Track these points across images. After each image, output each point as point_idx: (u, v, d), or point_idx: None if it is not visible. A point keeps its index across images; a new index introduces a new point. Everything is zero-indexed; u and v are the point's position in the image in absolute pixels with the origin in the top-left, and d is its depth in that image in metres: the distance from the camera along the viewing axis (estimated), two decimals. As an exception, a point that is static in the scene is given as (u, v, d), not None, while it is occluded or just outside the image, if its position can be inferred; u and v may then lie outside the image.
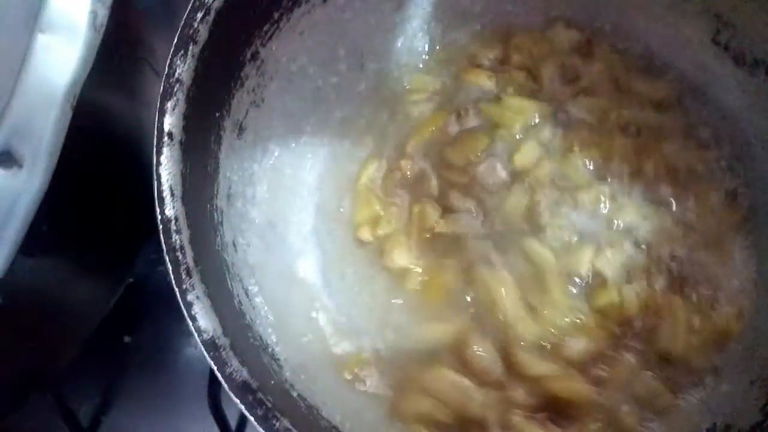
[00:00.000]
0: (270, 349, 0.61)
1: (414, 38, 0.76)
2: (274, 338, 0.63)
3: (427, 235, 0.67)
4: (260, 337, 0.60)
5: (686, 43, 0.69)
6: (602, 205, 0.65)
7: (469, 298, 0.64)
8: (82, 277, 0.62)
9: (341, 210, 0.71)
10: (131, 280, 0.81)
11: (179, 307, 0.48)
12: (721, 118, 0.68)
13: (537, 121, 0.69)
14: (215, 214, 0.60)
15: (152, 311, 0.84)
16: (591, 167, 0.67)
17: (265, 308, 0.65)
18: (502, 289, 0.63)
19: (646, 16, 0.71)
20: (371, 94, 0.74)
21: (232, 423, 0.78)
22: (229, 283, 0.59)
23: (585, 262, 0.64)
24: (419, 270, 0.66)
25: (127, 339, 0.83)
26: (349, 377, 0.66)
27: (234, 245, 0.63)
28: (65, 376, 0.77)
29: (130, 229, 0.68)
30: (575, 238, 0.65)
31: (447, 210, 0.68)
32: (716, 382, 0.63)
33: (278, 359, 0.61)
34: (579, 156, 0.67)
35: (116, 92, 0.63)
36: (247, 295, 0.62)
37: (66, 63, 0.43)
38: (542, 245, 0.65)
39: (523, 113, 0.68)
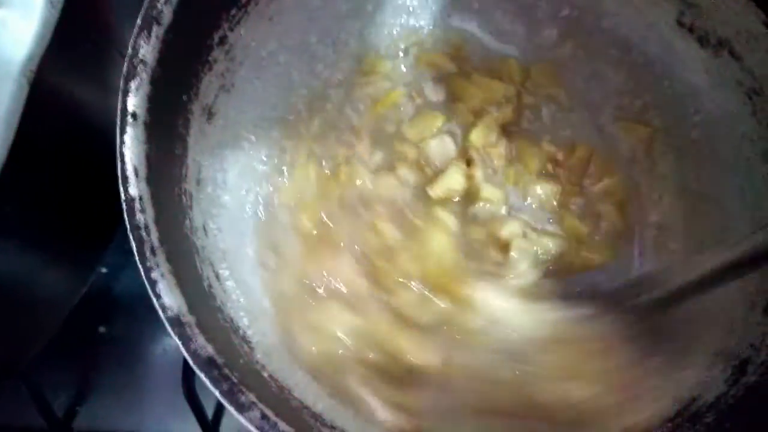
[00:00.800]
0: (241, 332, 0.61)
1: (384, 25, 0.76)
2: (246, 321, 0.63)
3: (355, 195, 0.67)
4: (231, 319, 0.60)
5: (651, 25, 0.70)
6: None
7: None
8: (48, 264, 0.62)
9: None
10: (105, 270, 0.81)
11: (154, 297, 0.48)
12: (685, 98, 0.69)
13: (500, 100, 0.69)
14: (184, 197, 0.60)
15: (127, 301, 0.84)
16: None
17: (237, 292, 0.65)
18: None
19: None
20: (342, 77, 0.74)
21: (209, 411, 0.78)
22: (198, 266, 0.59)
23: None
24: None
25: (102, 329, 0.83)
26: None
27: (204, 229, 0.63)
28: (40, 366, 0.77)
29: (101, 216, 0.68)
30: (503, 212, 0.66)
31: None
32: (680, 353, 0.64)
33: (250, 342, 0.61)
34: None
35: (84, 77, 0.63)
36: (218, 278, 0.63)
37: (22, 38, 0.43)
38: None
39: (487, 91, 0.69)
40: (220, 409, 0.80)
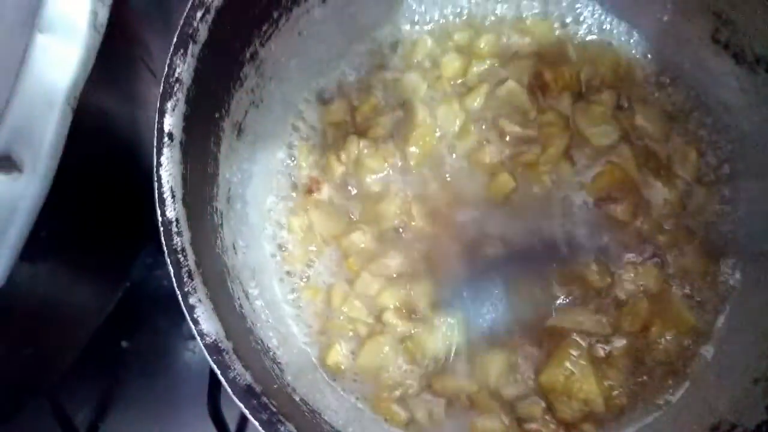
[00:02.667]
0: (271, 353, 0.60)
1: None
2: (275, 342, 0.62)
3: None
4: (261, 340, 0.60)
5: (685, 42, 0.69)
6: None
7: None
8: (79, 283, 0.61)
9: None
10: (128, 284, 0.80)
11: (176, 312, 0.47)
12: (720, 116, 0.68)
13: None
14: (215, 216, 0.59)
15: (149, 316, 0.83)
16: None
17: (266, 312, 0.64)
18: None
19: (647, 16, 0.71)
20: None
21: (232, 427, 0.77)
22: (229, 286, 0.58)
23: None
24: None
25: (124, 344, 0.82)
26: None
27: (234, 248, 0.63)
28: (62, 382, 0.76)
29: (127, 233, 0.67)
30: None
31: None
32: (718, 379, 0.63)
33: (280, 363, 0.60)
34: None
35: (112, 93, 0.62)
36: (247, 298, 0.62)
37: (66, 64, 0.42)
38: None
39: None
40: (243, 424, 0.79)
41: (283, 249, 0.69)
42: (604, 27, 0.73)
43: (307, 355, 0.66)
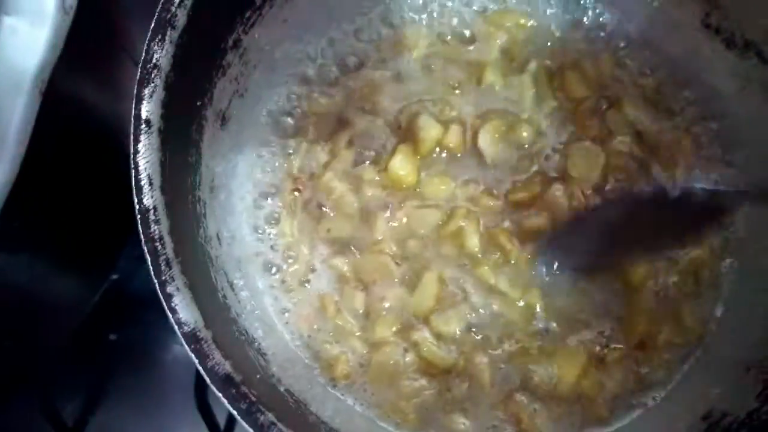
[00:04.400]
0: (256, 344, 0.59)
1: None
2: (260, 332, 0.62)
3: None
4: (246, 331, 0.59)
5: (676, 27, 0.68)
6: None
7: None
8: (59, 274, 0.60)
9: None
10: (115, 277, 0.79)
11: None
12: (711, 102, 0.67)
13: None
14: (198, 205, 0.58)
15: (137, 309, 0.82)
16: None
17: (252, 303, 0.64)
18: None
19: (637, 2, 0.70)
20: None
21: (221, 421, 0.76)
22: (212, 276, 0.57)
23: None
24: None
25: (112, 337, 0.82)
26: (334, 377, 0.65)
27: (218, 238, 0.62)
28: (50, 375, 0.76)
29: (111, 225, 0.67)
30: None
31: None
32: (711, 369, 0.63)
33: (265, 354, 0.60)
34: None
35: (94, 83, 0.62)
36: (232, 288, 0.61)
37: (34, 47, 0.41)
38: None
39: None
40: (232, 418, 0.79)
41: (269, 242, 0.68)
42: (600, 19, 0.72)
43: (292, 348, 0.65)
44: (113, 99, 0.61)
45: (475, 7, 0.73)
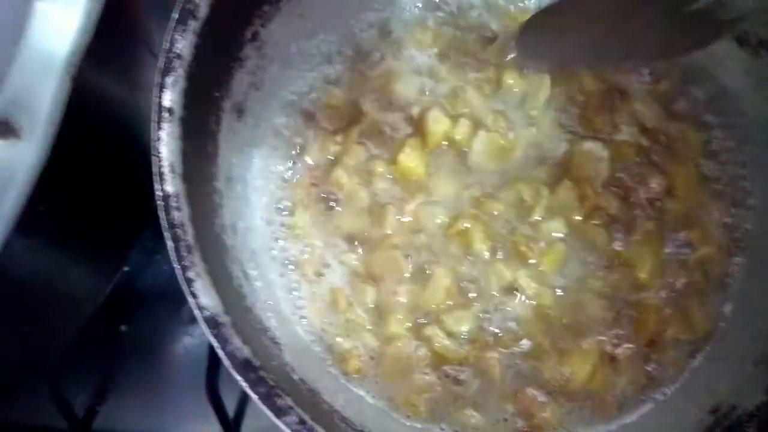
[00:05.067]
0: (270, 333, 0.60)
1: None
2: (274, 322, 0.62)
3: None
4: (260, 320, 0.59)
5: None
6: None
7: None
8: (77, 262, 0.61)
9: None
10: (127, 268, 0.80)
11: (176, 297, 0.47)
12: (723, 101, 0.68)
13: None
14: (215, 195, 0.59)
15: (148, 301, 0.83)
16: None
17: (266, 293, 0.64)
18: None
19: None
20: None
21: (230, 411, 0.77)
22: (228, 265, 0.58)
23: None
24: None
25: (123, 328, 0.82)
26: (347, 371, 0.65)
27: (234, 228, 0.62)
28: (61, 365, 0.76)
29: (126, 215, 0.67)
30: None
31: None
32: (720, 363, 0.63)
33: (279, 343, 0.60)
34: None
35: (115, 75, 0.62)
36: (246, 278, 0.62)
37: (65, 31, 0.42)
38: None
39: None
40: (241, 409, 0.79)
41: (283, 234, 0.69)
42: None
43: (305, 339, 0.65)
44: (132, 90, 0.62)
45: (497, 4, 0.74)
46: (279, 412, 0.44)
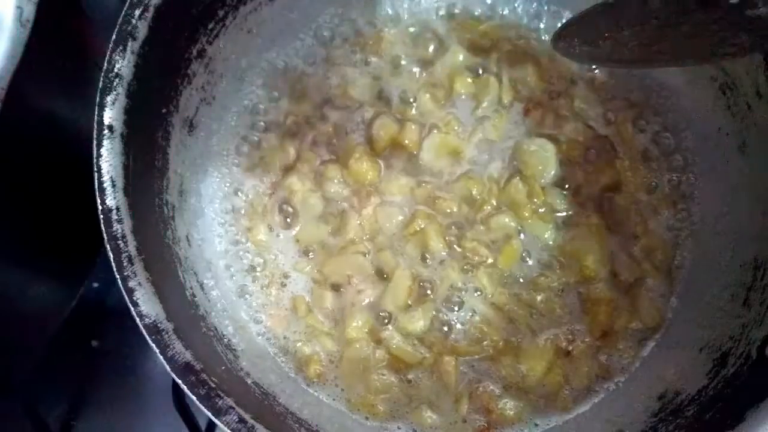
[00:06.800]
0: (226, 340, 0.62)
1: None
2: (231, 329, 0.64)
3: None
4: (215, 327, 0.61)
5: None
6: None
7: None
8: (31, 280, 0.62)
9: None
10: (96, 284, 0.82)
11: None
12: (660, 97, 0.70)
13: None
14: (165, 208, 0.61)
15: (119, 315, 0.84)
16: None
17: (222, 302, 0.66)
18: None
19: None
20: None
21: (202, 425, 0.78)
22: (180, 275, 0.60)
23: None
24: None
25: (94, 344, 0.84)
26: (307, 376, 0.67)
27: (188, 240, 0.64)
28: (34, 382, 0.78)
29: (84, 231, 0.69)
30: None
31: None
32: (668, 351, 0.65)
33: (235, 350, 0.62)
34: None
35: (64, 93, 0.64)
36: (202, 288, 0.63)
37: (-8, 56, 0.44)
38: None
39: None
40: (212, 421, 0.80)
41: (240, 244, 0.70)
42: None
43: (263, 345, 0.67)
44: (83, 108, 0.63)
45: (441, 12, 0.76)
46: (218, 411, 0.46)
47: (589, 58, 0.62)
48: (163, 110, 0.61)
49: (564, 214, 0.70)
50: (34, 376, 0.77)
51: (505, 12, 0.76)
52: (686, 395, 0.58)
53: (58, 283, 0.68)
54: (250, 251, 0.70)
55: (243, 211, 0.71)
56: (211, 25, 0.64)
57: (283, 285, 0.69)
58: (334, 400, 0.66)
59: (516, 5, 0.76)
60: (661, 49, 0.56)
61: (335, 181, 0.70)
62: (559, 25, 0.73)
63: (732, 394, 0.53)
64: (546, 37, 0.74)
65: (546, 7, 0.75)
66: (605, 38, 0.57)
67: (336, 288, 0.69)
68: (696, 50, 0.54)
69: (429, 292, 0.68)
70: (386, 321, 0.68)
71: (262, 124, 0.73)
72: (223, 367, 0.55)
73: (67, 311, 0.71)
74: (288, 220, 0.71)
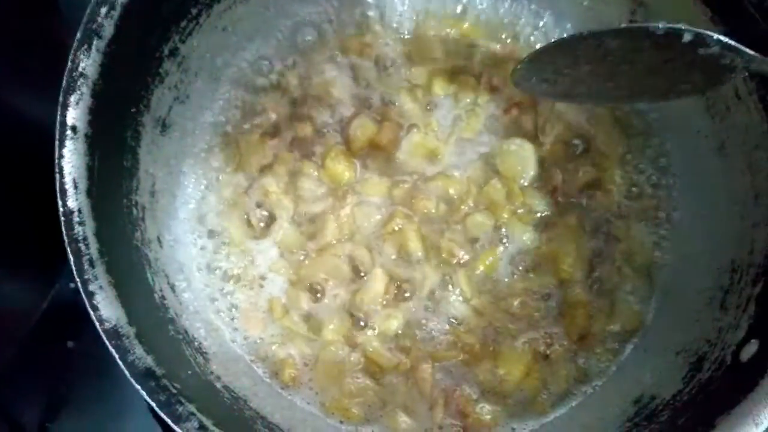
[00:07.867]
0: (196, 343, 0.61)
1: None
2: (202, 332, 0.63)
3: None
4: (185, 330, 0.60)
5: (606, 24, 0.70)
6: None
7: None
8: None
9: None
10: (72, 285, 0.80)
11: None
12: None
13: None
14: (135, 209, 0.60)
15: (96, 316, 0.83)
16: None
17: (195, 304, 0.65)
18: None
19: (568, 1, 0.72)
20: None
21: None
22: (150, 277, 0.59)
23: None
24: None
25: (70, 344, 0.82)
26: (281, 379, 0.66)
27: (159, 241, 0.63)
28: (9, 383, 0.77)
29: (51, 231, 0.68)
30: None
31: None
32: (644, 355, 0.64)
33: (205, 353, 0.61)
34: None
35: (39, 96, 0.63)
36: (173, 290, 0.63)
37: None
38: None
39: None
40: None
41: (214, 246, 0.69)
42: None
43: (234, 348, 0.66)
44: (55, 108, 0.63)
45: (422, 12, 0.75)
46: (178, 418, 0.45)
47: (549, 93, 0.64)
48: (133, 110, 0.60)
49: (542, 215, 0.69)
50: (9, 378, 0.76)
51: (486, 11, 0.75)
52: (661, 399, 0.57)
53: (27, 284, 0.67)
54: (225, 252, 0.69)
55: (218, 212, 0.70)
56: (183, 24, 0.63)
57: (260, 286, 0.69)
58: (308, 403, 0.65)
59: (497, 5, 0.75)
60: (618, 85, 0.59)
61: (312, 181, 0.69)
62: (540, 24, 0.74)
63: (705, 400, 0.53)
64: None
65: (527, 8, 0.74)
66: (563, 75, 0.60)
67: (313, 290, 0.68)
68: (653, 88, 0.57)
69: (407, 294, 0.68)
70: (363, 324, 0.67)
71: (239, 123, 0.72)
72: (190, 372, 0.54)
73: (38, 313, 0.70)
74: (264, 221, 0.70)
